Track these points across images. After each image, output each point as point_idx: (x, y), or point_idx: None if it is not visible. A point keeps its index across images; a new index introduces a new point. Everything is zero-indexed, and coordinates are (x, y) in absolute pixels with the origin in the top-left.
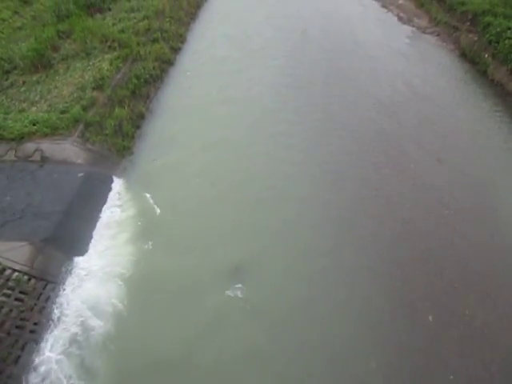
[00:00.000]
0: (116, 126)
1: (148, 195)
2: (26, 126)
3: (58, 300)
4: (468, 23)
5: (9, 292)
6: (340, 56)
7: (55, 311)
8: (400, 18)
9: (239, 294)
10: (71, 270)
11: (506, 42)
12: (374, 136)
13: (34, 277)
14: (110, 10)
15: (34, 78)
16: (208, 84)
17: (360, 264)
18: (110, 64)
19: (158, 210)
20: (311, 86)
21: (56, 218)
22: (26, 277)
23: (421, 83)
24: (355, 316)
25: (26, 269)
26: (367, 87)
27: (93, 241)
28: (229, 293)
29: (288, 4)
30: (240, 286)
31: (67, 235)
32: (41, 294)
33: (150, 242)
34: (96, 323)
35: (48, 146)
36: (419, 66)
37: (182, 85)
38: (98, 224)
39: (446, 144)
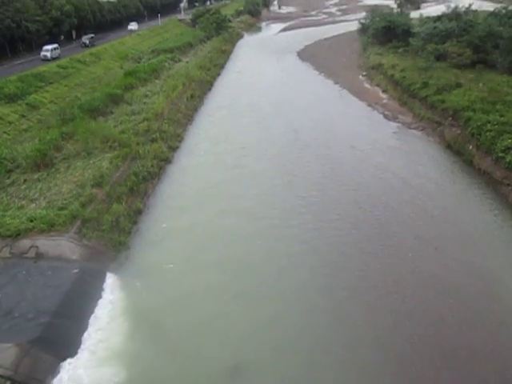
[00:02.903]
0: (113, 222)
1: (142, 292)
2: (23, 223)
3: None
4: (450, 118)
5: None
6: (333, 153)
7: None
8: (386, 116)
9: None
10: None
11: (488, 134)
12: (370, 226)
13: (18, 382)
14: (112, 113)
15: (35, 176)
16: (203, 181)
17: (360, 360)
18: (110, 162)
19: (152, 308)
20: (305, 183)
21: (46, 318)
22: (8, 382)
23: (412, 174)
24: None
25: (9, 373)
26: (360, 180)
27: (83, 341)
28: None
29: (279, 99)
30: None
31: (57, 336)
32: None
33: (144, 342)
34: None
35: (44, 243)
36: (408, 158)
37: (178, 182)
38: (90, 323)
39: (441, 232)
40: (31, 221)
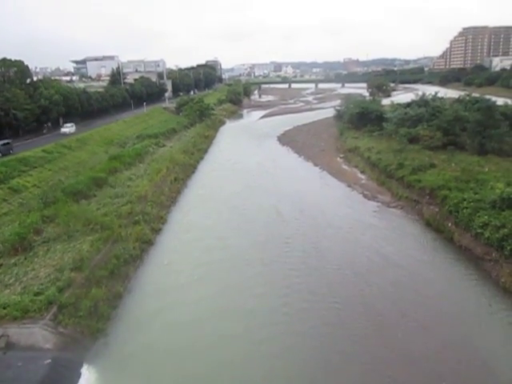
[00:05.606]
0: (91, 308)
1: None
2: None
3: None
4: (427, 197)
5: None
6: (314, 233)
7: None
8: (365, 196)
9: None
10: None
11: (465, 211)
12: (356, 306)
13: None
14: (95, 196)
15: (12, 261)
16: (186, 263)
17: None
18: (91, 245)
19: None
20: (290, 263)
21: None
22: None
23: (394, 253)
24: None
25: None
26: (344, 260)
27: None
28: None
29: (261, 183)
30: None
31: None
32: None
33: None
34: None
35: (15, 331)
36: (390, 237)
37: (161, 264)
38: None
39: (428, 310)
40: (4, 308)
